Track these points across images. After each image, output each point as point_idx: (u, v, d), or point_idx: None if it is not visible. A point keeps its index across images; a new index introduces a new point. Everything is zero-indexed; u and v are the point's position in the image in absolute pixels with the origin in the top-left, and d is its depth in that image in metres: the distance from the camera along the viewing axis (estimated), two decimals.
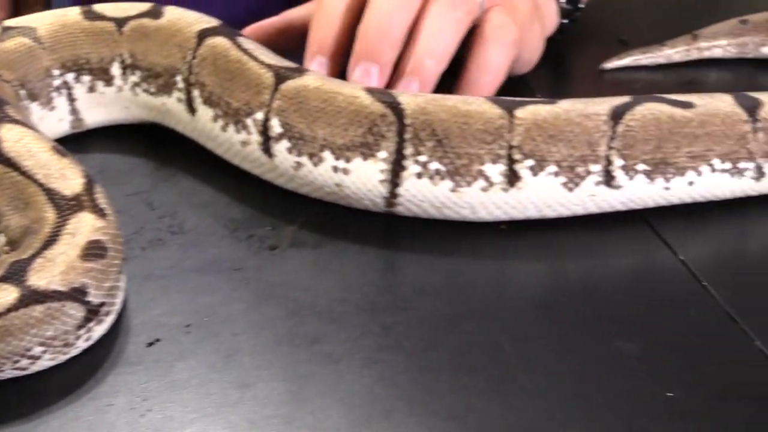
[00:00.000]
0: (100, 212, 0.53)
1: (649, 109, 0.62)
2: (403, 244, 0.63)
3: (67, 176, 0.55)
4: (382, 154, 0.61)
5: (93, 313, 0.51)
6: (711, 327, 0.56)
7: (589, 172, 0.61)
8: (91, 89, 0.71)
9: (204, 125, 0.67)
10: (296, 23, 0.78)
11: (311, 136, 0.62)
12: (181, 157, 0.70)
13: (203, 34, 0.68)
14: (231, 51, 0.66)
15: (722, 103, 0.64)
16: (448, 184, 0.61)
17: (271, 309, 0.55)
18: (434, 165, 0.60)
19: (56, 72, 0.70)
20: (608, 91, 0.68)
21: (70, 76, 0.70)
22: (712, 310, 0.56)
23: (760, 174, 0.64)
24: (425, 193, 0.61)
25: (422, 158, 0.60)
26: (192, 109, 0.68)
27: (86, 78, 0.71)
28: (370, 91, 0.63)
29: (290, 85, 0.63)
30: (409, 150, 0.60)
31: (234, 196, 0.65)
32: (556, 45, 0.84)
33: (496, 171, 0.60)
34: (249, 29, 0.77)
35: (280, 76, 0.64)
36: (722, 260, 0.63)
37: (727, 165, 0.63)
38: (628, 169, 0.62)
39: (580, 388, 0.51)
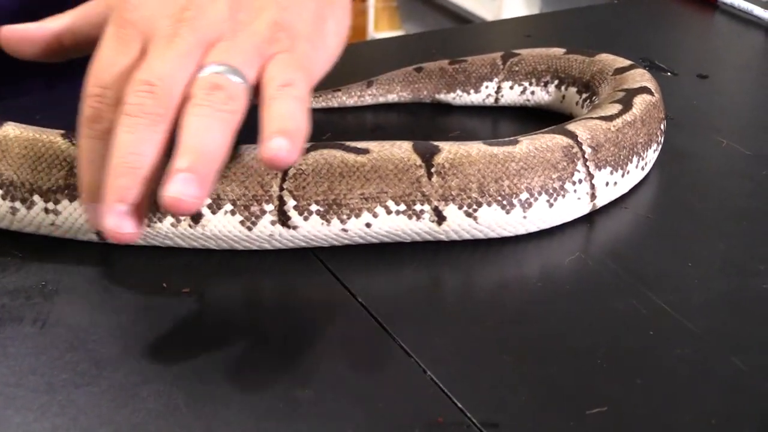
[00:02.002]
0: None
1: (322, 154, 0.66)
2: (84, 319, 0.61)
3: None
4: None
5: None
6: (387, 363, 0.59)
7: (263, 212, 0.65)
8: None
9: None
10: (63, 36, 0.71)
11: (20, 182, 0.65)
12: None
13: None
14: None
15: (399, 150, 0.67)
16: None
17: None
18: None
19: None
20: None
21: None
22: (387, 347, 0.59)
23: (440, 217, 0.67)
24: None
25: None
26: None
27: None
28: (66, 136, 0.66)
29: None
30: None
31: None
32: None
33: None
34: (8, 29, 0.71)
35: None
36: (398, 299, 0.65)
37: (402, 207, 0.66)
38: (301, 210, 0.65)
39: None
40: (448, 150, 0.67)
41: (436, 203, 0.66)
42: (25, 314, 0.61)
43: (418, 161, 0.66)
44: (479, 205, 0.67)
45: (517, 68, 0.89)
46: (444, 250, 0.70)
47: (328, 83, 0.89)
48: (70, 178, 0.66)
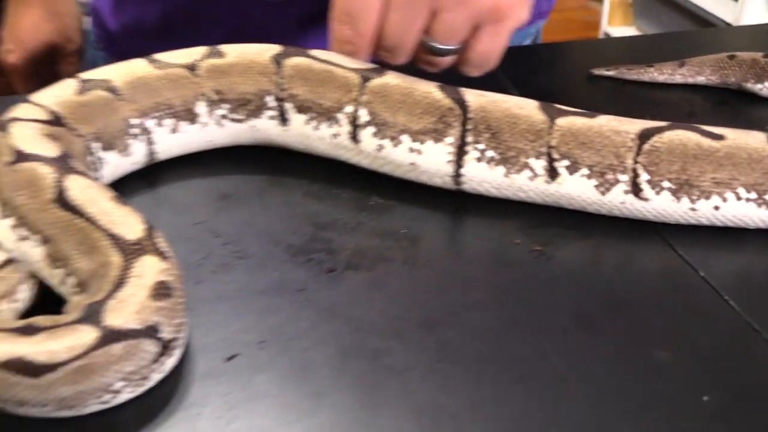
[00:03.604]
0: (161, 255, 0.56)
1: (678, 135, 0.68)
2: (445, 265, 0.67)
3: (129, 222, 0.58)
4: (449, 139, 0.72)
5: (165, 347, 0.54)
6: (736, 337, 0.60)
7: (617, 181, 0.69)
8: (174, 131, 0.75)
9: (297, 129, 0.77)
10: None
11: (393, 123, 0.73)
12: (239, 189, 0.75)
13: (277, 58, 0.76)
14: (314, 64, 0.76)
15: (754, 139, 0.68)
16: (501, 170, 0.71)
17: (334, 326, 0.60)
18: (490, 153, 0.71)
19: (135, 120, 0.73)
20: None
21: (150, 123, 0.74)
22: (735, 322, 0.61)
23: None
24: (484, 175, 0.72)
25: (480, 146, 0.71)
26: (284, 120, 0.77)
27: (169, 121, 0.75)
28: (442, 87, 0.73)
29: (375, 82, 0.74)
30: (470, 138, 0.71)
31: (290, 224, 0.70)
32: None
33: (539, 165, 0.70)
34: None
35: (365, 77, 0.74)
36: (740, 277, 0.67)
37: (753, 195, 0.67)
38: (653, 184, 0.68)
39: (623, 394, 0.55)
40: None
41: None
42: (395, 255, 0.67)
43: None
44: None
45: None
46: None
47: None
48: (438, 123, 0.72)
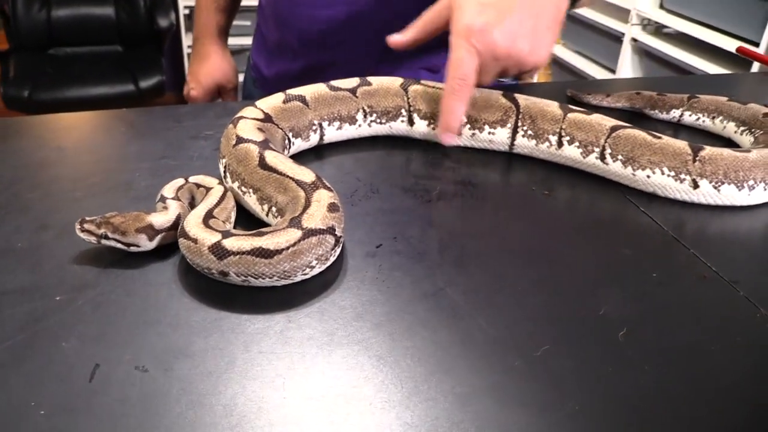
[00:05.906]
0: (328, 188, 0.65)
1: (633, 131, 0.81)
2: (495, 198, 0.81)
3: (304, 173, 0.67)
4: (509, 125, 0.88)
5: (337, 241, 0.62)
6: (660, 238, 0.74)
7: (594, 150, 0.83)
8: (339, 128, 0.88)
9: (420, 129, 0.96)
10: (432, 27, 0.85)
11: (479, 118, 0.91)
12: (371, 155, 0.89)
13: (403, 86, 0.92)
14: (427, 89, 0.91)
15: (679, 143, 0.78)
16: (533, 141, 0.86)
17: (434, 231, 0.70)
18: (529, 131, 0.85)
19: (316, 121, 0.85)
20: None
21: (325, 123, 0.86)
22: (658, 229, 0.76)
23: (695, 185, 0.79)
24: (525, 144, 0.89)
25: (525, 128, 0.86)
26: (411, 123, 0.91)
27: (336, 123, 0.87)
28: (504, 95, 0.89)
29: (477, 96, 0.86)
30: (519, 123, 0.87)
31: (401, 174, 0.84)
32: None
33: (554, 139, 0.85)
34: (411, 32, 0.86)
35: None
36: (659, 207, 0.82)
37: (672, 173, 0.78)
38: (613, 156, 0.81)
39: (601, 268, 0.67)
40: (709, 149, 0.77)
41: (695, 177, 0.78)
42: (465, 193, 0.79)
43: (689, 151, 0.77)
44: (722, 183, 0.79)
45: (695, 105, 1.05)
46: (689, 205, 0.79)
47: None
48: (503, 116, 0.90)
